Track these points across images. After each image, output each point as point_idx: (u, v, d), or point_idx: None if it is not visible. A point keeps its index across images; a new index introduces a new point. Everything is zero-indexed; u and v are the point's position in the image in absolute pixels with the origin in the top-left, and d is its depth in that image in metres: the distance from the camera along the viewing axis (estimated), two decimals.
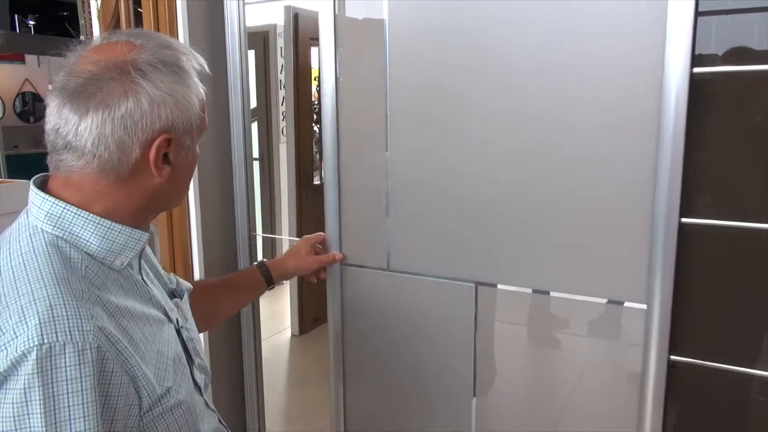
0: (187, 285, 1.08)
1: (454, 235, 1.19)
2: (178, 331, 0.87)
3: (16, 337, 0.64)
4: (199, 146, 0.86)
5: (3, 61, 5.22)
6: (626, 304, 1.06)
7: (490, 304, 1.20)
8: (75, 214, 0.75)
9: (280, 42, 3.64)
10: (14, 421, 0.63)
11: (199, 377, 0.91)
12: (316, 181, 3.55)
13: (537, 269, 1.13)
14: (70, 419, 0.64)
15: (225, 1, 1.43)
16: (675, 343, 1.03)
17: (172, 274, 1.11)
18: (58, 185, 0.76)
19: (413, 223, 1.23)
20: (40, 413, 0.63)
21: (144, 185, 0.77)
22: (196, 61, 0.81)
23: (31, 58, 7.93)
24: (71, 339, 0.65)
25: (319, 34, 1.27)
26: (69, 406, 0.64)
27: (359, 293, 1.33)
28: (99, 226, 0.75)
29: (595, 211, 1.06)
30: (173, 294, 0.96)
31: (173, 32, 1.41)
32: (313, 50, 3.39)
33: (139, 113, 0.72)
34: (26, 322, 0.65)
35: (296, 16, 3.19)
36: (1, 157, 4.96)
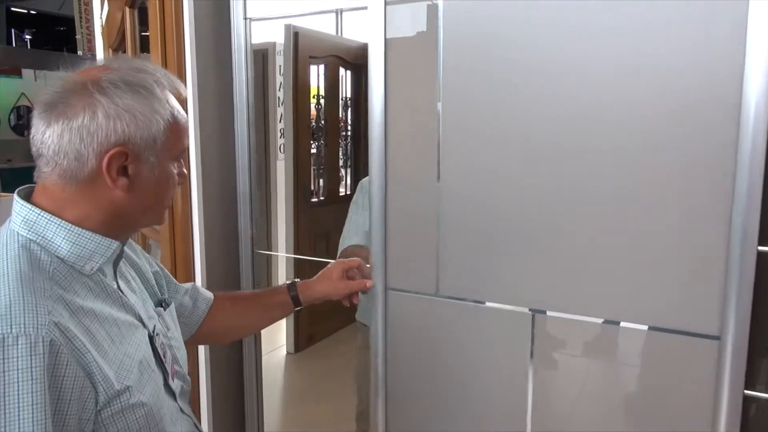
0: (207, 296, 1.18)
1: (510, 259, 1.13)
2: (151, 338, 0.91)
3: None
4: (177, 168, 0.89)
5: (0, 75, 5.20)
6: (699, 334, 1.00)
7: (549, 333, 1.13)
8: (48, 220, 0.81)
9: (279, 60, 3.66)
10: None
11: (175, 384, 0.95)
12: (314, 199, 3.56)
13: (601, 297, 1.06)
14: (18, 407, 0.69)
15: (231, 18, 1.44)
16: (751, 378, 0.97)
17: (190, 284, 1.19)
18: (38, 193, 0.83)
19: (465, 247, 1.17)
20: None
21: (107, 196, 0.82)
22: (170, 86, 0.86)
23: (27, 73, 7.94)
24: (24, 331, 0.70)
25: (369, 57, 1.20)
26: (18, 395, 0.69)
27: (404, 319, 1.26)
28: (69, 232, 0.81)
29: (667, 237, 1.00)
30: (160, 303, 1.02)
31: (180, 49, 1.42)
32: (312, 68, 3.42)
33: (95, 125, 0.78)
34: None
35: (296, 35, 3.22)
36: None
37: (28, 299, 0.73)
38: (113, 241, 0.85)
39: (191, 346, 1.31)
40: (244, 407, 1.61)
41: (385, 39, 1.18)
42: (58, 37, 16.05)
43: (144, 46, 1.69)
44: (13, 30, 11.70)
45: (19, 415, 0.69)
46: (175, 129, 0.86)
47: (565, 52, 1.03)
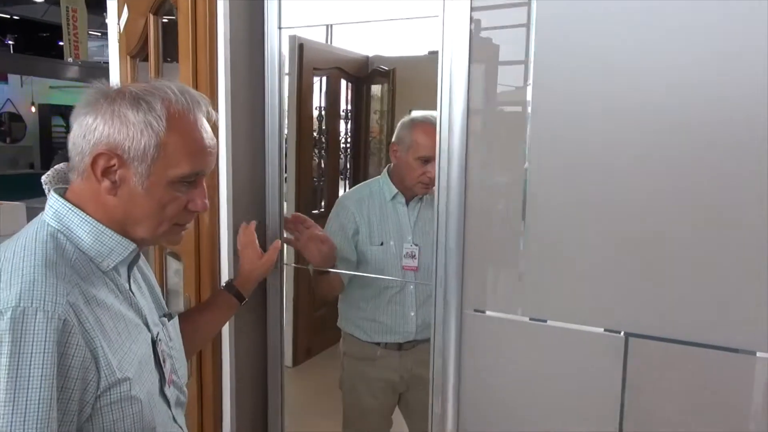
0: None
1: (602, 279, 1.09)
2: (154, 342, 0.97)
3: (1, 300, 0.78)
4: (186, 193, 0.94)
5: None
6: None
7: (644, 358, 1.07)
8: (74, 213, 0.90)
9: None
10: None
11: (171, 393, 1.00)
12: (315, 211, 3.53)
13: (706, 320, 1.01)
14: (29, 375, 0.75)
15: (266, 27, 1.43)
16: None
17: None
18: (68, 191, 0.93)
19: (552, 266, 1.13)
20: (5, 364, 0.75)
21: (101, 198, 0.90)
22: (181, 105, 0.92)
23: (14, 78, 7.78)
24: (43, 307, 0.78)
25: (441, 71, 1.18)
26: (30, 364, 0.76)
27: (483, 341, 1.22)
28: (93, 227, 0.90)
29: None
30: (165, 315, 1.07)
31: (212, 56, 1.39)
32: (315, 79, 3.41)
33: (93, 127, 0.88)
34: (10, 289, 0.79)
35: (301, 46, 3.21)
36: None
37: (50, 279, 0.81)
38: (131, 243, 0.93)
39: None
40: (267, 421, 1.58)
41: (470, 55, 1.16)
42: (41, 42, 15.84)
43: (167, 53, 1.67)
44: None
45: (29, 382, 0.75)
46: (175, 146, 0.91)
47: (651, 98, 1.03)
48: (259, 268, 1.39)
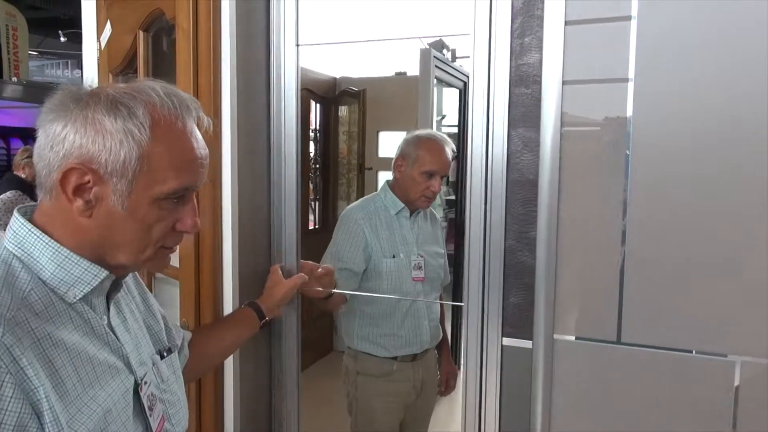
0: (185, 335, 1.14)
1: (710, 301, 1.04)
2: (137, 386, 0.83)
3: None
4: (172, 212, 0.81)
5: None
6: None
7: (759, 384, 1.02)
8: (36, 237, 0.77)
9: None
10: None
11: None
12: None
13: None
14: None
15: (279, 44, 1.39)
16: None
17: (176, 325, 1.13)
18: (38, 209, 0.80)
19: (654, 288, 1.08)
20: None
21: (73, 218, 0.77)
22: (167, 111, 0.78)
23: None
24: None
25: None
26: None
27: (576, 369, 1.16)
28: (56, 253, 0.76)
29: None
30: (161, 352, 0.95)
31: (216, 78, 1.34)
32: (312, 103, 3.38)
33: (62, 136, 0.75)
34: None
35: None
36: None
37: None
38: (102, 270, 0.79)
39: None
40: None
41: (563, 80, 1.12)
42: None
43: (158, 70, 1.61)
44: None
45: None
46: (160, 159, 0.77)
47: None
48: (282, 287, 1.37)
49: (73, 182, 0.75)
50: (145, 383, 0.85)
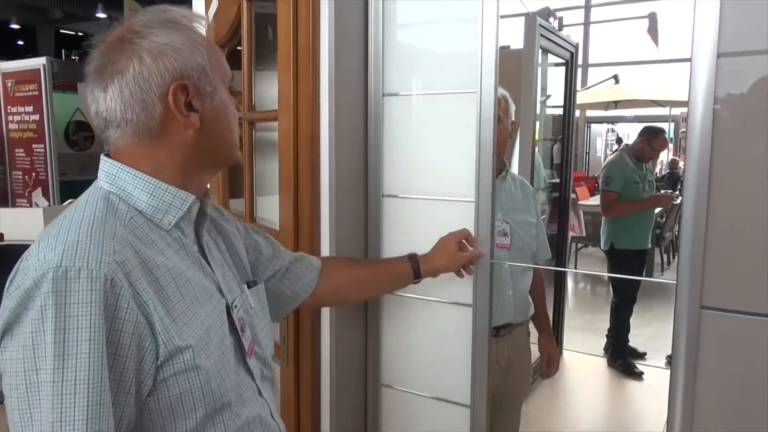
0: (300, 255, 1.17)
1: None
2: (228, 309, 0.89)
3: (44, 261, 0.71)
4: (230, 102, 0.89)
5: (57, 91, 5.27)
6: None
7: None
8: (127, 172, 0.82)
9: None
10: (31, 336, 0.68)
11: (254, 364, 0.93)
12: None
13: None
14: (77, 341, 0.68)
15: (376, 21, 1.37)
16: None
17: (299, 253, 1.19)
18: (118, 153, 0.85)
19: None
20: (51, 329, 0.68)
21: (180, 138, 0.83)
22: (194, 16, 0.87)
23: (82, 88, 8.15)
24: (87, 265, 0.70)
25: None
26: (77, 328, 0.68)
27: (727, 344, 1.07)
28: (147, 183, 0.82)
29: None
30: (248, 284, 1.01)
31: (315, 64, 1.35)
32: None
33: (147, 69, 0.80)
34: (54, 250, 0.72)
35: None
36: (56, 182, 4.97)
37: (96, 238, 0.74)
38: (189, 194, 0.85)
39: (309, 309, 1.34)
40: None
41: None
42: None
43: (260, 42, 1.63)
44: (63, 50, 12.06)
45: (77, 348, 0.68)
46: (215, 53, 0.87)
47: None
48: (450, 254, 1.29)
49: (182, 100, 0.82)
50: (235, 307, 0.91)
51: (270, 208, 1.59)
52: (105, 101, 0.81)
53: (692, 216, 1.05)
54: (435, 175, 1.40)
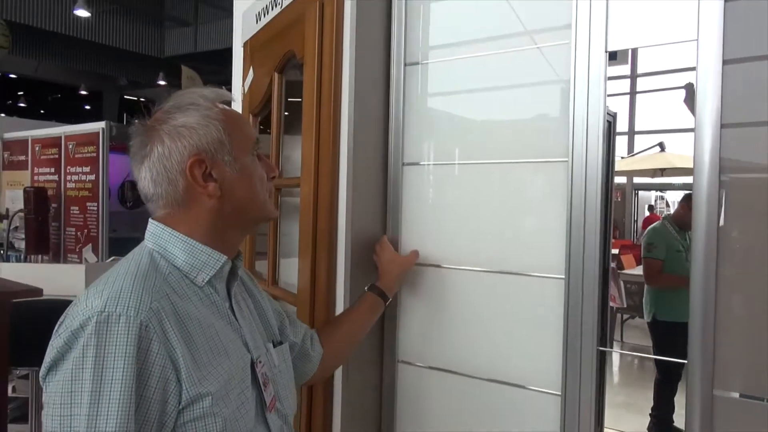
0: (312, 334, 1.22)
1: None
2: (253, 364, 0.95)
3: (90, 307, 0.81)
4: (261, 164, 1.00)
5: (114, 152, 5.59)
6: None
7: None
8: (168, 233, 0.93)
9: None
10: (71, 372, 0.78)
11: (274, 420, 0.97)
12: None
13: None
14: (111, 380, 0.77)
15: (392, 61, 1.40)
16: None
17: (297, 320, 1.23)
18: (160, 219, 0.95)
19: None
20: (90, 367, 0.77)
21: (204, 206, 0.93)
22: (213, 94, 0.96)
23: None
24: (126, 312, 0.80)
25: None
26: (113, 368, 0.77)
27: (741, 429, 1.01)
28: (185, 243, 0.92)
29: None
30: (272, 342, 1.07)
31: (336, 127, 1.40)
32: None
33: (167, 150, 0.91)
34: (100, 297, 0.81)
35: None
36: (106, 239, 5.18)
37: (137, 288, 0.83)
38: (222, 255, 0.94)
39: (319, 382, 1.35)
40: None
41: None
42: None
43: (290, 110, 1.70)
44: (125, 114, 12.86)
45: (110, 386, 0.76)
46: (233, 124, 0.95)
47: None
48: (398, 264, 1.39)
49: (198, 173, 0.92)
50: (260, 362, 0.97)
51: (291, 270, 1.61)
52: (141, 180, 0.93)
53: (702, 295, 1.00)
54: (450, 243, 1.39)
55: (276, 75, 1.68)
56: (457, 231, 1.39)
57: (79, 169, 5.45)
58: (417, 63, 1.44)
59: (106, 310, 0.80)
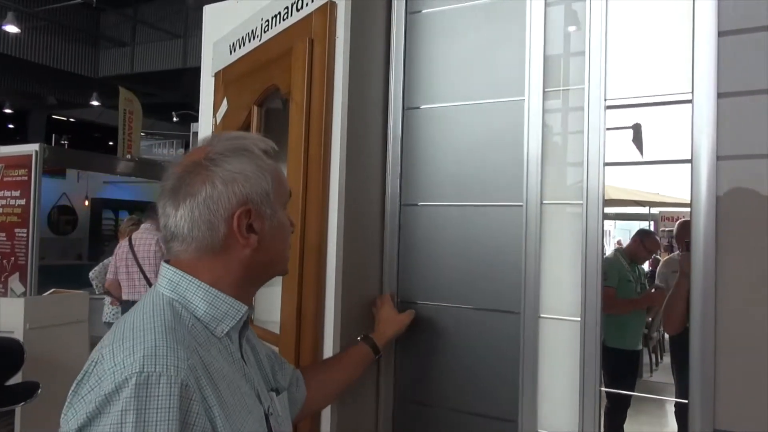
0: (297, 374, 1.19)
1: None
2: (267, 417, 0.93)
3: (124, 367, 0.76)
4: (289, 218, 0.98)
5: (45, 175, 5.29)
6: None
7: None
8: (189, 281, 0.89)
9: None
10: None
11: None
12: None
13: None
14: None
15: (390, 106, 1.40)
16: None
17: (287, 365, 1.19)
18: (178, 262, 0.91)
19: None
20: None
21: (238, 256, 0.90)
22: (264, 144, 0.95)
23: (72, 174, 8.18)
24: (166, 371, 0.76)
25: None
26: (155, 431, 0.73)
27: None
28: (207, 292, 0.89)
29: None
30: (272, 389, 1.03)
31: (326, 157, 1.37)
32: None
33: (217, 194, 0.87)
34: (133, 355, 0.77)
35: None
36: (35, 267, 4.85)
37: (171, 344, 0.79)
38: (242, 305, 0.91)
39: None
40: None
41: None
42: (93, 142, 16.75)
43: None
44: (53, 135, 12.22)
45: None
46: (278, 178, 0.95)
47: None
48: (395, 321, 1.38)
49: (244, 224, 0.89)
50: (271, 414, 0.95)
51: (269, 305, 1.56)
52: (175, 218, 0.88)
53: (700, 336, 1.04)
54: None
55: (255, 108, 1.65)
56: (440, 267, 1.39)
57: (8, 193, 5.11)
58: (417, 107, 1.45)
59: (145, 370, 0.75)
